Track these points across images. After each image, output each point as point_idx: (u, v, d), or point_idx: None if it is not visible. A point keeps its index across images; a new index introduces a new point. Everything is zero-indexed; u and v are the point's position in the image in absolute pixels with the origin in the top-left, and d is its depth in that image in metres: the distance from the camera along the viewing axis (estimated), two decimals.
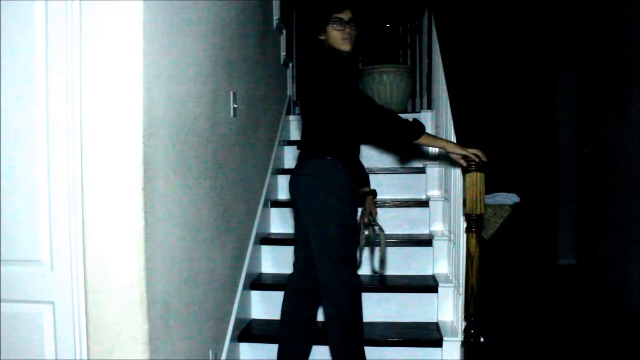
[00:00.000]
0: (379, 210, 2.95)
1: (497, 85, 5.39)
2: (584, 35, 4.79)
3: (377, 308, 2.58)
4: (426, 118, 3.63)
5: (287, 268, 2.84)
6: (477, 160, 1.86)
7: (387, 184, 3.23)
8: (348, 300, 1.86)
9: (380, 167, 3.34)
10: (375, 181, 3.25)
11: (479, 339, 1.97)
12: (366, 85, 4.13)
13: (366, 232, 2.17)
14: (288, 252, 2.86)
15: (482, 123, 5.07)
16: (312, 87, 1.98)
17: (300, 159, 2.05)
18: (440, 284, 2.52)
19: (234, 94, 2.37)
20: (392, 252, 2.76)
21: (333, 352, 1.96)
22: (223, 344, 2.21)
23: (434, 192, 3.16)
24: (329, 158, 1.94)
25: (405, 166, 3.32)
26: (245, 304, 2.54)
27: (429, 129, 3.59)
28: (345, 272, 1.87)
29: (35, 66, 1.53)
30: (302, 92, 2.10)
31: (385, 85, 4.06)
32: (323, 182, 1.90)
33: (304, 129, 2.07)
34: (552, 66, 5.38)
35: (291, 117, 3.90)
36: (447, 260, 2.71)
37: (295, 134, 3.86)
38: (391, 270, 2.73)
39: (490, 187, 2.18)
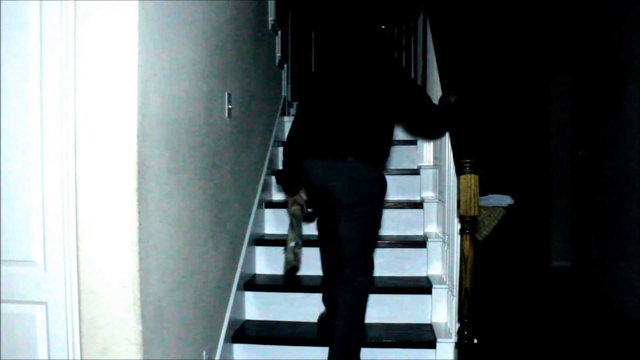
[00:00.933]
0: None
1: (491, 88, 5.42)
2: (578, 37, 4.83)
3: (371, 309, 2.58)
4: None
5: (281, 268, 2.84)
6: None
7: None
8: (373, 278, 2.28)
9: None
10: None
11: (473, 341, 1.98)
12: None
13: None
14: (282, 253, 2.85)
15: (477, 125, 5.10)
16: (390, 87, 2.14)
17: (361, 162, 2.10)
18: (434, 286, 2.53)
19: (229, 95, 2.37)
20: (387, 254, 2.77)
21: (350, 321, 2.16)
22: (216, 344, 2.21)
23: (428, 194, 3.17)
24: (384, 164, 2.25)
25: (400, 168, 3.33)
26: (239, 305, 2.54)
27: None
28: (373, 258, 2.26)
29: (29, 66, 1.53)
30: (361, 89, 2.16)
31: None
32: (385, 189, 2.17)
33: (356, 129, 2.11)
34: (546, 68, 5.42)
35: (286, 118, 3.89)
36: (441, 261, 2.72)
37: None
38: (385, 272, 2.73)
39: (485, 189, 2.19)
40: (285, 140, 2.33)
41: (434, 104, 2.23)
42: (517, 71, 5.44)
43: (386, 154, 2.22)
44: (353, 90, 2.16)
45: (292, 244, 2.22)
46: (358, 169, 2.10)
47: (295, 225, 2.26)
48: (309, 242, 2.84)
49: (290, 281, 2.73)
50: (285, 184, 2.36)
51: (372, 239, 2.22)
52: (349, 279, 2.13)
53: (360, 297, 2.17)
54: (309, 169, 2.21)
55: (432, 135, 2.54)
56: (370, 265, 2.22)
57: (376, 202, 2.15)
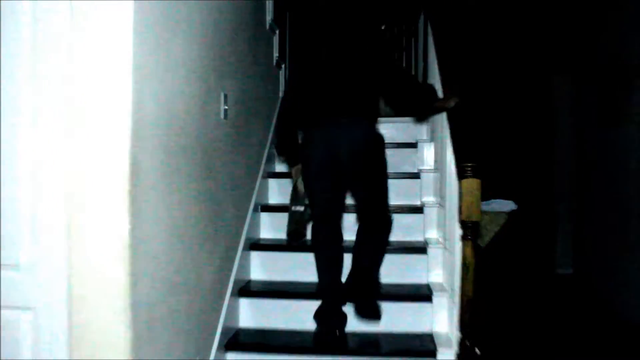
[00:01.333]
0: None
1: (492, 90, 5.43)
2: (578, 37, 4.84)
3: None
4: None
5: (277, 275, 2.84)
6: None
7: None
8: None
9: None
10: None
11: (474, 351, 1.97)
12: None
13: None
14: (278, 258, 2.85)
15: (479, 128, 5.10)
16: (378, 55, 2.37)
17: (356, 118, 2.36)
18: (434, 293, 2.52)
19: (225, 96, 2.37)
20: (386, 260, 2.75)
21: (372, 265, 2.51)
22: (209, 353, 2.20)
23: (429, 198, 3.17)
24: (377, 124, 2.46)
25: (399, 171, 3.32)
26: (233, 312, 2.53)
27: (424, 135, 3.61)
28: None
29: (21, 65, 1.52)
30: (360, 55, 2.38)
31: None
32: (384, 143, 2.46)
33: (349, 92, 2.34)
34: (547, 69, 5.43)
35: None
36: (442, 268, 2.71)
37: None
38: (384, 279, 2.72)
39: (487, 194, 2.19)
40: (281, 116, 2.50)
41: (413, 77, 2.63)
42: (517, 72, 5.45)
43: (379, 114, 2.50)
44: (348, 57, 2.36)
45: (301, 208, 2.42)
46: (366, 130, 2.37)
47: (300, 193, 2.43)
48: (304, 247, 2.84)
49: (285, 288, 2.73)
50: (287, 155, 2.52)
51: (387, 190, 2.48)
52: (374, 221, 2.42)
53: (386, 237, 2.50)
54: (314, 139, 2.38)
55: (408, 109, 2.65)
56: (390, 218, 2.48)
57: (384, 156, 2.45)
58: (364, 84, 2.38)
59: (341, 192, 2.47)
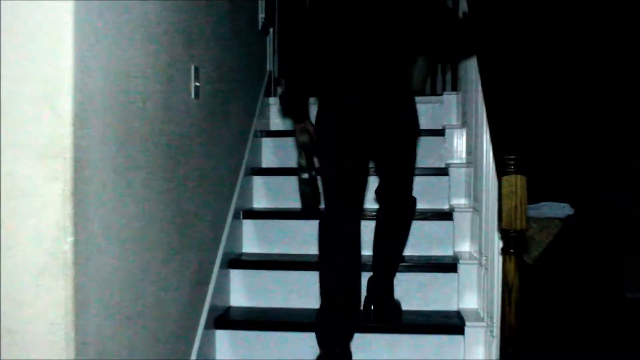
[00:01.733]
0: None
1: (545, 58, 5.39)
2: None
3: (384, 354, 2.58)
4: (450, 102, 3.65)
5: (264, 299, 2.84)
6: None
7: None
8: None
9: None
10: None
11: None
12: None
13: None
14: (266, 278, 2.86)
15: (525, 110, 5.08)
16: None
17: (399, 92, 2.53)
18: (467, 323, 2.53)
19: (196, 69, 2.36)
20: (404, 280, 2.76)
21: (395, 258, 2.74)
22: None
23: (460, 201, 3.17)
24: None
25: (422, 166, 3.33)
26: (208, 347, 2.53)
27: (454, 118, 3.61)
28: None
29: None
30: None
31: None
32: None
33: (389, 60, 2.48)
34: (616, 44, 5.40)
35: (272, 100, 3.89)
36: (476, 291, 2.72)
37: (276, 122, 3.85)
38: (403, 304, 2.72)
39: (535, 195, 2.19)
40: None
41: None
42: (581, 44, 5.41)
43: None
44: (392, 17, 2.46)
45: (306, 175, 2.53)
46: (405, 102, 2.55)
47: (306, 157, 2.56)
48: (298, 265, 2.84)
49: (274, 317, 2.73)
50: (293, 104, 2.56)
51: (414, 170, 2.69)
52: (399, 204, 2.63)
53: (409, 224, 2.73)
54: (343, 103, 2.46)
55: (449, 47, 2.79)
56: (414, 199, 2.70)
57: (418, 132, 2.64)
58: (403, 52, 2.53)
59: (365, 176, 2.58)
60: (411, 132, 2.59)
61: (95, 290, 1.59)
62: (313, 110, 2.55)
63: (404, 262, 2.83)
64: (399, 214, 2.68)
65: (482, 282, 2.58)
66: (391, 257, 2.72)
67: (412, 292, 2.77)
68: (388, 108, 2.47)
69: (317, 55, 2.49)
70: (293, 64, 2.50)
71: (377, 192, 2.67)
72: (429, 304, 2.77)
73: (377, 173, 2.70)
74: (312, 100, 2.64)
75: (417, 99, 3.49)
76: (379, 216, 2.72)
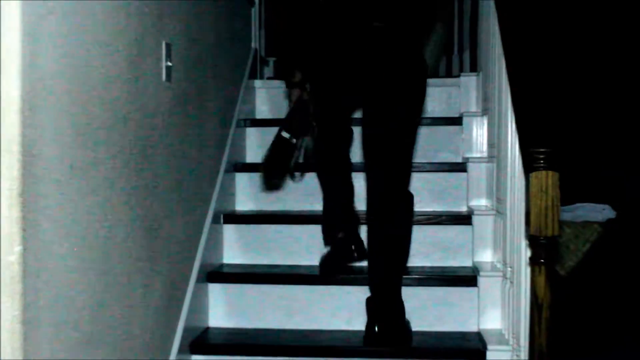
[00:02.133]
0: None
1: (583, 35, 5.38)
2: None
3: None
4: (468, 86, 3.64)
5: (248, 319, 2.84)
6: None
7: None
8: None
9: None
10: None
11: None
12: None
13: None
14: (250, 293, 2.86)
15: (558, 94, 5.08)
16: None
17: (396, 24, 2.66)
18: (489, 347, 2.53)
19: (168, 46, 2.36)
20: (415, 296, 2.76)
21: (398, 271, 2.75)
22: None
23: (480, 202, 3.18)
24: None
25: (435, 161, 3.32)
26: None
27: (473, 104, 3.61)
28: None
29: None
30: None
31: None
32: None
33: None
34: None
35: (258, 83, 3.88)
36: (500, 308, 2.72)
37: (263, 109, 3.84)
38: (413, 324, 2.72)
39: (570, 195, 2.19)
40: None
41: None
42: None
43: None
44: None
45: (286, 135, 2.84)
46: (410, 46, 2.68)
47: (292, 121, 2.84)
48: (287, 277, 2.84)
49: (258, 339, 2.73)
50: (287, 62, 2.89)
51: (414, 141, 2.76)
52: (392, 196, 2.68)
53: (410, 218, 2.78)
54: (329, 41, 2.68)
55: None
56: (411, 195, 2.76)
57: (424, 84, 2.72)
58: None
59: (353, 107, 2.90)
60: (413, 73, 2.66)
61: (48, 308, 1.58)
62: None
63: (413, 274, 2.83)
64: (393, 212, 2.70)
65: (507, 298, 2.58)
66: (393, 267, 2.72)
67: (423, 310, 2.77)
68: (384, 54, 2.61)
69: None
70: (287, 21, 2.77)
71: (368, 203, 2.76)
72: (444, 323, 2.77)
73: (364, 160, 2.77)
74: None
75: (429, 81, 3.51)
76: (371, 223, 2.74)
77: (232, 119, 3.34)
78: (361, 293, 2.72)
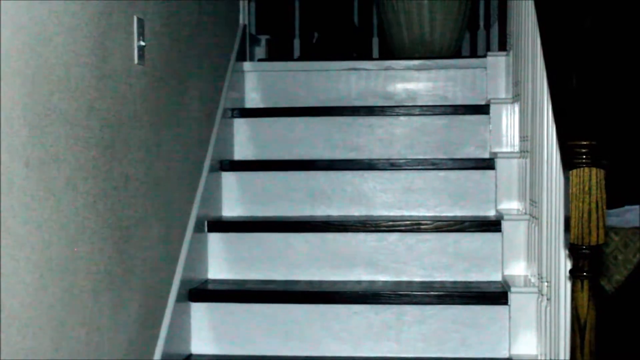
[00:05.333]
0: (410, 240, 2.97)
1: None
2: None
3: None
4: (497, 67, 3.64)
5: (237, 346, 2.85)
6: None
7: (423, 189, 3.22)
8: None
9: (410, 158, 3.33)
10: (402, 182, 3.24)
11: None
12: (387, 3, 4.14)
13: None
14: (240, 314, 2.86)
15: (605, 77, 5.08)
16: None
17: None
18: None
19: (140, 22, 2.36)
20: (434, 316, 2.77)
21: None
22: None
23: (511, 205, 3.18)
24: None
25: (457, 156, 3.32)
26: None
27: (502, 90, 3.61)
28: None
29: None
30: None
31: (422, 6, 4.06)
32: None
33: None
34: None
35: (247, 65, 3.88)
36: (535, 330, 2.71)
37: (254, 96, 3.84)
38: (432, 349, 2.72)
39: (618, 197, 2.17)
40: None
41: None
42: None
43: None
44: None
45: None
46: None
47: None
48: (283, 294, 2.84)
49: None
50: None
51: None
52: None
53: None
54: None
55: None
56: None
57: None
58: None
59: None
60: None
61: (2, 330, 1.58)
62: None
63: (432, 291, 2.83)
64: None
65: (543, 318, 2.57)
66: None
67: (445, 333, 2.78)
68: None
69: None
70: None
71: None
72: (469, 348, 2.78)
73: None
74: None
75: (449, 62, 3.50)
76: None
77: (217, 109, 3.34)
78: (371, 312, 2.72)
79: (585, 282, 1.91)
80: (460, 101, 3.58)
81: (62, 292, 1.86)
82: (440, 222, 2.99)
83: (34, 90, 1.71)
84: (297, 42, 5.12)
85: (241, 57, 3.80)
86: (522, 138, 3.16)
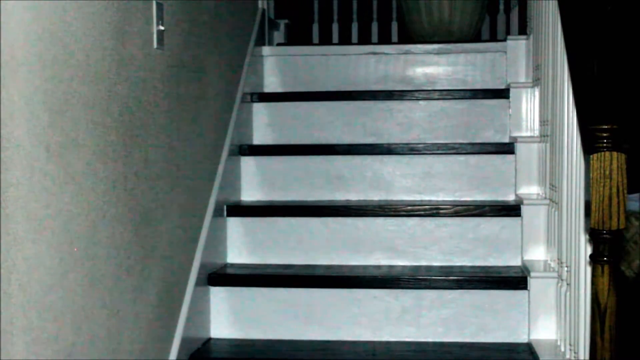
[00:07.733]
0: (429, 224, 2.97)
1: None
2: None
3: None
4: (517, 51, 3.62)
5: (257, 329, 2.85)
6: None
7: (442, 174, 3.21)
8: None
9: (429, 143, 3.32)
10: (421, 167, 3.23)
11: None
12: None
13: None
14: (259, 298, 2.87)
15: (626, 60, 5.04)
16: None
17: None
18: None
19: (159, 6, 2.36)
20: (452, 301, 2.77)
21: None
22: None
23: (531, 190, 3.17)
24: None
25: (476, 141, 3.31)
26: None
27: (521, 74, 3.59)
28: None
29: None
30: None
31: None
32: None
33: None
34: None
35: (266, 50, 3.87)
36: (555, 315, 2.71)
37: (273, 81, 3.84)
38: (450, 334, 2.72)
39: (638, 181, 2.16)
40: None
41: None
42: None
43: None
44: None
45: None
46: None
47: None
48: (304, 278, 2.85)
49: (271, 354, 2.73)
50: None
51: None
52: None
53: None
54: None
55: None
56: None
57: None
58: None
59: None
60: None
61: (21, 317, 1.59)
62: None
63: (452, 275, 2.82)
64: None
65: (563, 303, 2.57)
66: None
67: (464, 317, 2.78)
68: None
69: None
70: None
71: None
72: (488, 333, 2.77)
73: None
74: None
75: (469, 46, 3.48)
76: None
77: (236, 93, 3.33)
78: (390, 297, 2.72)
79: (606, 267, 1.90)
80: (479, 85, 3.57)
81: (83, 276, 1.87)
82: (459, 207, 2.99)
83: (54, 75, 1.72)
84: (315, 27, 5.12)
85: (260, 42, 3.80)
86: (542, 122, 3.15)
